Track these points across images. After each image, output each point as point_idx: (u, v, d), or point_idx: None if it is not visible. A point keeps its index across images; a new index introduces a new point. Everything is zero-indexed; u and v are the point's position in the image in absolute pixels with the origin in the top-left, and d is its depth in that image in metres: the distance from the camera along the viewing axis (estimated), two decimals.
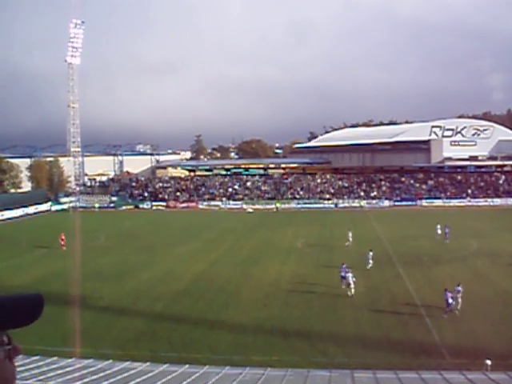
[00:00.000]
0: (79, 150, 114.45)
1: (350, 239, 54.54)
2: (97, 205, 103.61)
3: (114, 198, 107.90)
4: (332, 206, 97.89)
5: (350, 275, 35.51)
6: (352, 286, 35.20)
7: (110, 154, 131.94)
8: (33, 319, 2.02)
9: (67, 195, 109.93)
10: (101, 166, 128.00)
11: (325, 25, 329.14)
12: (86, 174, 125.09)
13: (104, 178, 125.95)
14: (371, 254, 43.13)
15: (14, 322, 1.95)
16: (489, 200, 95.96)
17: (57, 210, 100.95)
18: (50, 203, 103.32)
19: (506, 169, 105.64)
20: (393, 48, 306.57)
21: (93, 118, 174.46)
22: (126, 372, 16.09)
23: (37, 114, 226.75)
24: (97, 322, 30.80)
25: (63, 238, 56.42)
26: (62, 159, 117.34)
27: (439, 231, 56.74)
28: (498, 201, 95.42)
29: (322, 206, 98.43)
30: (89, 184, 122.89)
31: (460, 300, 31.14)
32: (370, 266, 42.45)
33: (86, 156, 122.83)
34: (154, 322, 30.82)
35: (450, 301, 30.72)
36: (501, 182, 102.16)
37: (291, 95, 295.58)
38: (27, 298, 2.05)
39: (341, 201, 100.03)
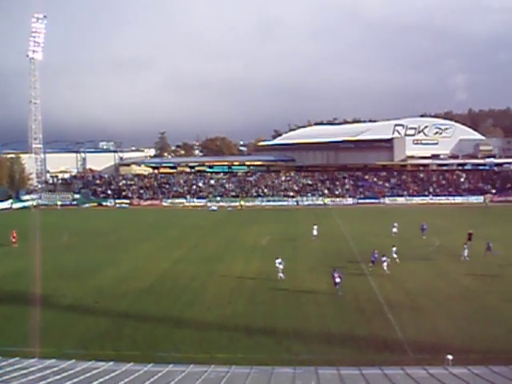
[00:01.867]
0: (41, 146, 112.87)
1: (315, 233, 56.37)
2: (59, 202, 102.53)
3: (76, 196, 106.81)
4: (295, 203, 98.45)
5: (278, 261, 39.65)
6: (280, 269, 39.19)
7: (72, 151, 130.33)
8: None
9: (29, 193, 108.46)
10: (63, 163, 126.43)
11: (293, 22, 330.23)
12: (48, 172, 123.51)
13: (67, 176, 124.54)
14: (394, 249, 44.42)
15: None
16: (450, 198, 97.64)
17: (18, 208, 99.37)
18: (10, 201, 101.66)
19: (466, 167, 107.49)
20: (360, 47, 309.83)
21: (55, 115, 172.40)
22: (90, 372, 15.89)
23: None
24: (60, 321, 30.37)
25: (15, 235, 56.94)
26: (23, 156, 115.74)
27: (395, 230, 58.10)
28: (459, 198, 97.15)
29: (285, 203, 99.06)
30: (51, 181, 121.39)
31: (390, 259, 40.86)
32: (397, 260, 43.48)
33: (48, 153, 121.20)
34: (118, 321, 30.54)
35: (338, 280, 34.26)
36: (462, 180, 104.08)
37: (257, 93, 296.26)
38: None
39: (305, 198, 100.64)
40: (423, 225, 57.87)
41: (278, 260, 39.81)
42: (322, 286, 36.44)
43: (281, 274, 38.97)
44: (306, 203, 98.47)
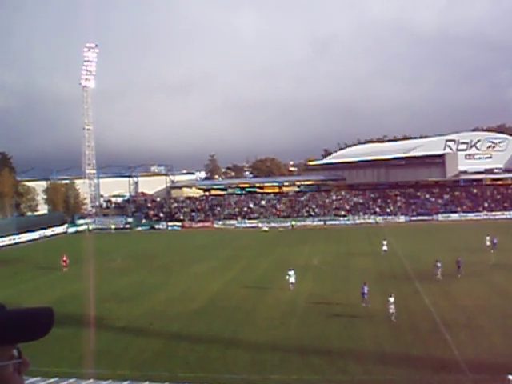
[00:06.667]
0: (95, 171, 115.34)
1: (385, 248, 58.09)
2: (113, 226, 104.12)
3: (129, 219, 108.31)
4: (348, 222, 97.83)
5: (291, 272, 42.47)
6: (293, 283, 41.98)
7: (125, 175, 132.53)
8: (43, 333, 1.99)
9: (83, 217, 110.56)
10: (116, 188, 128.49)
11: (344, 40, 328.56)
12: (102, 196, 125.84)
13: (120, 200, 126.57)
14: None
15: (24, 335, 1.92)
16: (506, 213, 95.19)
17: (73, 232, 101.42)
18: (66, 225, 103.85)
19: None
20: (410, 62, 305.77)
21: (108, 140, 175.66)
22: None
23: (52, 137, 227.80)
24: (114, 343, 30.71)
25: (65, 259, 57.39)
26: (77, 181, 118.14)
27: (488, 243, 58.23)
28: None
29: (337, 222, 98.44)
30: (105, 206, 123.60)
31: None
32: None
33: (102, 178, 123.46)
34: (171, 342, 30.70)
35: (365, 292, 36.31)
36: None
37: (307, 112, 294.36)
38: (37, 311, 2.03)
39: (356, 217, 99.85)
40: (494, 239, 57.50)
41: (291, 272, 42.55)
42: (376, 306, 35.89)
43: (291, 286, 41.88)
44: (357, 222, 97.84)
